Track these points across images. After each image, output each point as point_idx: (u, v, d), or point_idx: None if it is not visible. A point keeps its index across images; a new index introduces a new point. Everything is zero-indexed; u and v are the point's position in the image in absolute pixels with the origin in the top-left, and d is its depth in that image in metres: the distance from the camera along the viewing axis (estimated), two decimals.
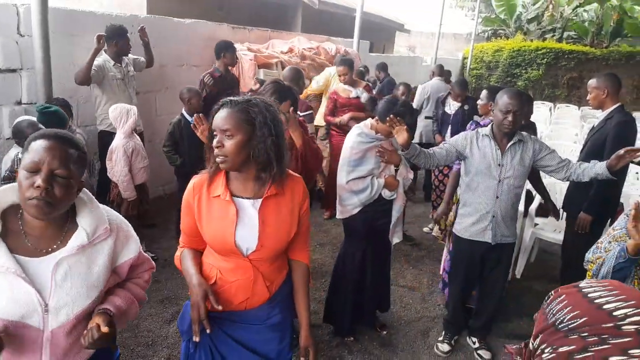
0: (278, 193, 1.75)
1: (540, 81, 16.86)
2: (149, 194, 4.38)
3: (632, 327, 0.66)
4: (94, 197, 1.54)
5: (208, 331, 1.65)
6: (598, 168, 2.72)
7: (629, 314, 0.67)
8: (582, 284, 0.78)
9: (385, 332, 3.45)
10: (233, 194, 1.73)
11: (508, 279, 4.37)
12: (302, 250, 1.97)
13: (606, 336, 0.67)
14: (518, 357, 0.87)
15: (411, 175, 3.23)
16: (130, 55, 4.61)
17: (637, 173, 5.26)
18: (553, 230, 4.50)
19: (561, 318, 0.73)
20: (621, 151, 2.59)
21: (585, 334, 0.68)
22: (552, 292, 0.84)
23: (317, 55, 7.07)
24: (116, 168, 3.88)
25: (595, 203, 3.39)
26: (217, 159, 1.64)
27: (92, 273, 1.47)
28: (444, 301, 3.80)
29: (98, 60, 4.23)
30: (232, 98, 1.71)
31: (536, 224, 4.58)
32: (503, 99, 2.75)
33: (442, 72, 7.84)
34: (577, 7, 18.65)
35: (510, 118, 2.71)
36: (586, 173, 2.78)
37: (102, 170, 4.27)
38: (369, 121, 3.08)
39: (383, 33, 16.73)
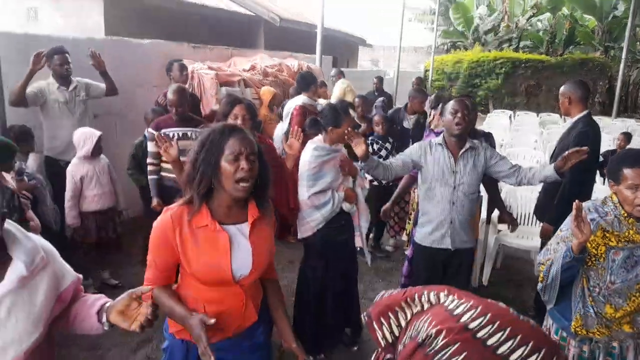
0: (261, 216, 1.78)
1: (500, 90, 17.38)
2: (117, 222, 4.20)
3: None
4: (21, 227, 1.45)
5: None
6: (547, 171, 2.84)
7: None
8: (469, 322, 0.71)
9: (355, 348, 3.43)
10: (219, 222, 1.71)
11: (475, 286, 4.48)
12: (272, 268, 2.02)
13: None
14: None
15: (367, 185, 3.29)
16: (85, 79, 4.48)
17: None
18: (516, 236, 4.59)
19: None
20: (566, 153, 2.69)
21: None
22: (440, 335, 0.73)
23: (279, 72, 7.11)
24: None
25: (557, 214, 3.38)
26: (243, 184, 1.63)
27: (35, 305, 1.39)
28: None
29: (41, 83, 4.13)
30: (235, 124, 1.80)
31: (500, 230, 4.68)
32: (449, 104, 2.92)
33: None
34: (531, 17, 19.38)
35: (459, 115, 2.83)
36: (536, 177, 2.90)
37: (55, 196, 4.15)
38: (321, 136, 3.12)
39: (346, 48, 16.97)
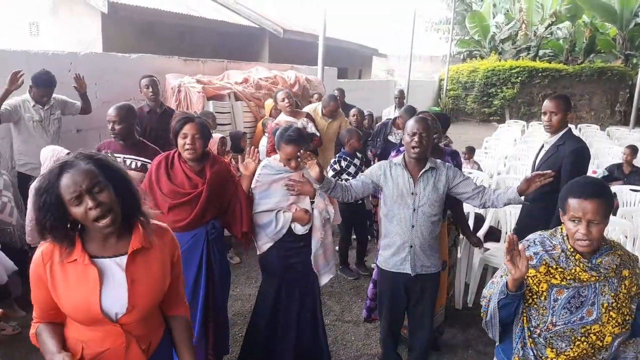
0: (144, 246, 1.62)
1: (515, 99, 17.01)
2: None
3: None
4: None
5: None
6: (510, 193, 2.70)
7: None
8: None
9: None
10: (92, 255, 1.57)
11: (459, 308, 4.26)
12: (178, 303, 1.84)
13: None
14: None
15: (331, 208, 3.04)
16: (61, 97, 4.43)
17: None
18: (503, 256, 4.36)
19: None
20: (529, 175, 2.56)
21: None
22: None
23: (273, 84, 7.01)
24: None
25: None
26: (102, 220, 1.48)
27: None
28: None
29: (16, 99, 4.09)
30: (70, 159, 1.53)
31: (487, 249, 4.45)
32: (408, 123, 2.77)
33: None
34: (549, 25, 18.97)
35: (416, 139, 2.69)
36: (500, 199, 2.75)
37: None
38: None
39: (359, 58, 16.86)
